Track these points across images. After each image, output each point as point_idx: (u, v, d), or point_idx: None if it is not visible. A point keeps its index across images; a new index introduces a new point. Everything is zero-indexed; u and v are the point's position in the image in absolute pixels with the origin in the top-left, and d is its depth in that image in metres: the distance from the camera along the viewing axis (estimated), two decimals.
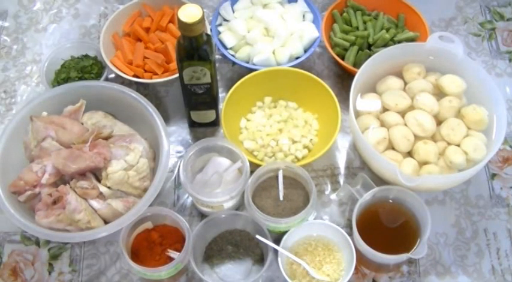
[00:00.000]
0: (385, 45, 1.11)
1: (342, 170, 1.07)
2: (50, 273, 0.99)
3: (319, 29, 1.14)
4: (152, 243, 0.94)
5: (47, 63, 1.13)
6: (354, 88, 0.99)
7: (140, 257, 0.93)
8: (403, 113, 1.00)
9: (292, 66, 1.10)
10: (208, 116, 1.07)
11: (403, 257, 0.89)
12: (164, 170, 0.96)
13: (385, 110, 1.02)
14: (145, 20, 1.17)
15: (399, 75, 1.05)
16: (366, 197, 0.93)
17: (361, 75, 1.01)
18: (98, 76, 1.12)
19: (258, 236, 0.92)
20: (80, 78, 1.10)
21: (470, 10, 1.27)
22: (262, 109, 1.10)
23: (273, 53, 1.12)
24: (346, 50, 1.14)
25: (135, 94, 1.03)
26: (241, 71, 1.16)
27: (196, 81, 0.98)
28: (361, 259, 0.93)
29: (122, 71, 1.10)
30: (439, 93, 1.02)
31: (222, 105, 1.04)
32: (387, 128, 0.99)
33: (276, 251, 0.92)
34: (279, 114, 1.08)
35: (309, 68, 1.16)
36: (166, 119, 1.09)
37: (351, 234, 0.93)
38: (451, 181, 0.97)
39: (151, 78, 1.11)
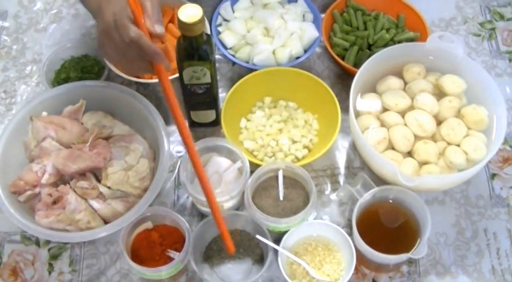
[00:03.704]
0: (385, 45, 1.11)
1: (342, 170, 1.07)
2: (50, 273, 0.99)
3: (319, 29, 1.14)
4: (152, 243, 0.94)
5: (47, 63, 1.13)
6: (354, 88, 0.99)
7: (140, 257, 0.93)
8: (403, 113, 1.00)
9: (292, 66, 1.10)
10: (208, 116, 1.07)
11: (403, 257, 0.89)
12: (164, 170, 0.96)
13: (385, 110, 1.02)
14: None
15: (399, 75, 1.05)
16: (366, 197, 0.93)
17: (361, 75, 1.01)
18: (98, 76, 1.12)
19: (258, 236, 0.92)
20: (80, 78, 1.10)
21: (470, 10, 1.27)
22: (262, 109, 1.10)
23: (273, 53, 1.12)
24: (346, 50, 1.14)
25: (135, 94, 1.03)
26: (241, 71, 1.16)
27: (196, 81, 0.98)
28: (361, 259, 0.93)
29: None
30: (439, 93, 1.02)
31: (222, 105, 1.04)
32: (387, 128, 0.99)
33: (276, 251, 0.92)
34: (279, 114, 1.08)
35: (309, 68, 1.16)
36: (166, 119, 1.08)
37: (351, 234, 0.93)
38: (451, 181, 0.97)
39: (151, 78, 1.11)
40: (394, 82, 1.03)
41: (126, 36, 0.82)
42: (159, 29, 0.85)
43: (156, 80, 1.09)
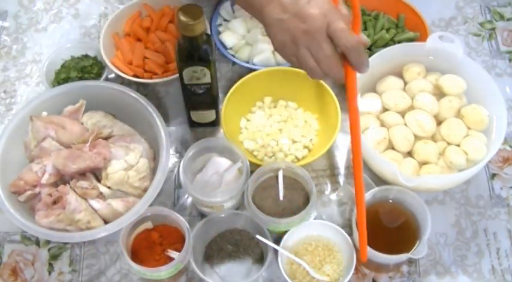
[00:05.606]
0: (385, 45, 1.11)
1: (342, 170, 1.07)
2: (50, 273, 0.99)
3: None
4: (152, 243, 0.94)
5: (47, 63, 1.13)
6: None
7: (140, 257, 0.93)
8: (403, 113, 1.00)
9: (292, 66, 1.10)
10: (208, 116, 1.07)
11: (403, 257, 0.89)
12: (164, 170, 0.96)
13: (385, 110, 1.02)
14: (145, 20, 1.17)
15: (399, 75, 1.05)
16: (366, 197, 0.93)
17: (361, 75, 1.00)
18: (98, 76, 1.12)
19: (258, 236, 0.92)
20: (80, 78, 1.10)
21: (470, 10, 1.27)
22: (262, 109, 1.10)
23: (273, 53, 1.12)
24: None
25: (135, 94, 1.03)
26: (241, 71, 1.15)
27: (196, 81, 0.98)
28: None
29: (122, 71, 1.10)
30: (439, 93, 1.02)
31: (222, 105, 1.04)
32: (387, 128, 0.99)
33: (276, 251, 0.92)
34: (279, 114, 1.08)
35: None
36: (166, 119, 1.09)
37: (351, 234, 0.93)
38: (451, 181, 0.97)
39: (151, 78, 1.11)
40: (394, 82, 1.03)
41: (346, 42, 0.77)
42: (365, 38, 0.81)
43: (156, 80, 1.09)
